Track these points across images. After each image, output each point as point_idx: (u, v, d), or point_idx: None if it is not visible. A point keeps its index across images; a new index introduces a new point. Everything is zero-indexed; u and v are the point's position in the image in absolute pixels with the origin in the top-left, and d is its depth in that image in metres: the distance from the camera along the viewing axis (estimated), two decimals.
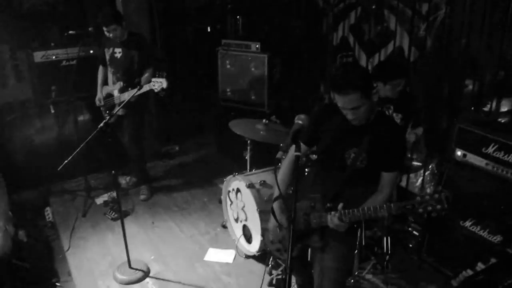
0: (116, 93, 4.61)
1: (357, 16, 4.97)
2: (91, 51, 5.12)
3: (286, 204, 2.76)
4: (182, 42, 6.11)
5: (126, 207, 4.80)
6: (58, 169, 3.44)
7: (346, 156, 2.60)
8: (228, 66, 5.51)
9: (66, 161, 3.41)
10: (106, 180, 5.30)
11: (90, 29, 4.61)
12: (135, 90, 4.29)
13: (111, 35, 4.44)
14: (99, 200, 4.90)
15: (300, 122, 2.21)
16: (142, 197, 4.98)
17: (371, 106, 2.46)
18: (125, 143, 4.79)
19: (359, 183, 2.62)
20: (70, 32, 4.64)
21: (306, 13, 5.47)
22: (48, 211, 4.70)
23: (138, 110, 4.72)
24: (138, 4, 5.34)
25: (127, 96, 4.40)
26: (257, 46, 5.24)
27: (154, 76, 4.22)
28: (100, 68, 4.83)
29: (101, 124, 3.34)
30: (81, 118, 5.18)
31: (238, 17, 6.14)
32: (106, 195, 4.95)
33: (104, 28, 4.41)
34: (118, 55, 4.60)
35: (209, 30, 6.43)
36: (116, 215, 4.55)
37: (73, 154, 3.38)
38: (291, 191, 3.08)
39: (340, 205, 2.47)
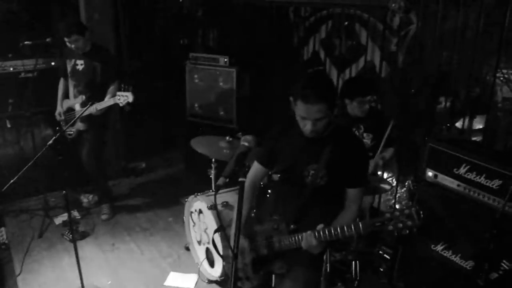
0: (77, 107, 4.39)
1: (328, 30, 4.85)
2: (52, 63, 4.89)
3: (245, 228, 2.59)
4: (150, 54, 5.90)
5: (86, 227, 4.56)
6: (2, 190, 3.20)
7: (305, 173, 2.50)
8: (196, 81, 5.33)
9: (11, 181, 3.16)
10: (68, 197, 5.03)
11: (48, 39, 4.37)
12: (99, 103, 4.12)
13: (73, 46, 4.25)
14: (58, 220, 4.64)
15: (246, 144, 2.03)
16: (103, 216, 4.74)
17: (330, 119, 2.41)
18: (84, 159, 4.55)
19: (321, 202, 2.52)
20: (26, 42, 4.39)
21: (277, 26, 5.32)
22: (2, 232, 4.42)
23: (99, 125, 4.52)
24: (102, 14, 5.13)
25: (91, 110, 4.19)
26: (225, 60, 5.07)
27: (120, 90, 4.04)
28: (61, 81, 4.61)
29: (50, 141, 3.11)
30: (40, 133, 4.93)
31: (208, 31, 6.00)
32: (65, 214, 4.69)
33: (66, 39, 4.22)
34: (80, 67, 4.40)
35: (181, 42, 6.25)
36: (75, 236, 4.30)
37: (18, 174, 3.13)
38: (253, 214, 2.93)
39: (320, 226, 2.33)
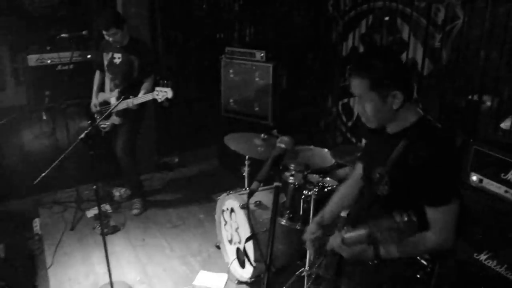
0: (113, 100, 4.36)
1: (369, 25, 4.66)
2: (88, 56, 4.88)
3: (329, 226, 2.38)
4: (185, 49, 5.83)
5: (118, 221, 4.53)
6: (34, 182, 3.19)
7: (373, 176, 2.04)
8: (232, 76, 5.22)
9: (43, 174, 3.16)
10: (100, 192, 5.03)
11: (84, 32, 4.36)
12: (136, 98, 4.08)
13: (111, 39, 4.22)
14: (90, 213, 4.63)
15: (283, 145, 1.87)
16: (134, 211, 4.70)
17: (384, 109, 1.91)
18: (117, 153, 4.53)
19: (382, 214, 1.86)
20: (63, 35, 4.39)
21: (315, 21, 5.16)
22: (36, 223, 4.46)
23: (134, 120, 4.48)
24: (139, 8, 5.09)
25: (126, 104, 4.16)
26: (262, 54, 4.94)
27: (158, 85, 3.98)
28: (97, 73, 4.61)
29: (82, 135, 3.06)
30: (75, 125, 4.93)
31: (245, 25, 5.88)
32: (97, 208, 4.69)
33: (104, 32, 4.19)
34: (118, 61, 4.37)
35: (217, 36, 6.16)
36: (106, 230, 4.29)
37: (50, 167, 3.12)
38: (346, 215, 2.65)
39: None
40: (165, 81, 3.91)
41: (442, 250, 1.95)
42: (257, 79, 5.04)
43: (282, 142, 1.89)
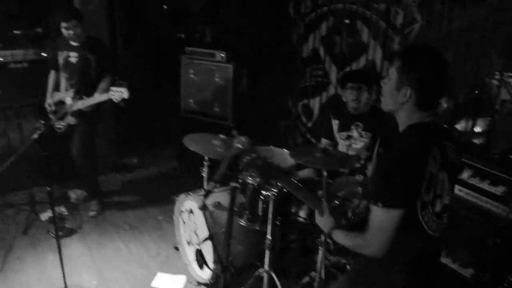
0: (68, 100, 4.24)
1: (329, 27, 4.71)
2: (43, 54, 4.74)
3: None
4: (145, 49, 5.75)
5: (74, 224, 4.41)
6: None
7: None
8: (192, 76, 5.18)
9: None
10: (55, 194, 4.88)
11: (39, 29, 4.23)
12: (91, 99, 3.99)
13: (71, 32, 4.07)
14: (44, 216, 4.47)
15: (240, 146, 1.87)
16: (91, 213, 4.59)
17: (394, 95, 2.00)
18: (74, 154, 4.41)
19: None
20: (16, 32, 4.24)
21: (276, 22, 5.18)
22: None
23: (90, 120, 4.37)
24: (97, 5, 4.98)
25: (81, 105, 4.06)
26: (222, 55, 4.92)
27: (114, 85, 3.90)
28: (52, 73, 4.45)
29: (35, 135, 2.96)
30: (29, 125, 4.77)
31: (206, 25, 5.84)
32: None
33: (63, 24, 4.05)
34: (73, 60, 4.25)
35: (178, 36, 6.09)
36: (60, 233, 4.16)
37: (1, 168, 2.99)
38: None
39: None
40: (121, 81, 3.85)
41: (367, 254, 1.93)
42: (217, 79, 5.01)
43: (239, 143, 1.88)
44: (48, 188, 3.10)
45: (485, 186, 2.93)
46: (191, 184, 4.39)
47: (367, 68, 4.34)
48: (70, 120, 4.25)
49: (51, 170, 3.02)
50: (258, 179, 2.16)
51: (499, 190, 2.88)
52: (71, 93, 4.23)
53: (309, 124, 5.11)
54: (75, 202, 4.76)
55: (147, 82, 5.67)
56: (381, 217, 1.86)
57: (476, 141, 3.77)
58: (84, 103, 4.02)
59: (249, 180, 3.28)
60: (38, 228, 4.31)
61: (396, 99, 1.97)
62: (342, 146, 3.84)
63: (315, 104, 4.99)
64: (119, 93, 3.87)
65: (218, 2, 5.72)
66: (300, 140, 5.27)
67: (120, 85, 3.87)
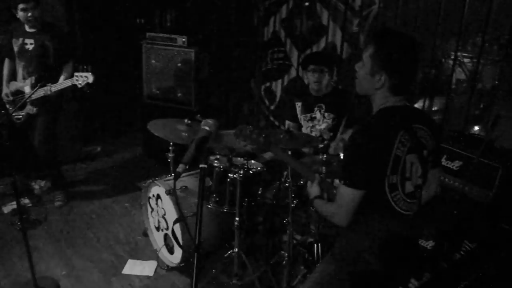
0: (27, 89, 4.13)
1: (289, 10, 4.75)
2: None
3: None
4: (104, 34, 5.65)
5: (38, 215, 4.34)
6: None
7: None
8: (153, 61, 5.14)
9: None
10: (18, 184, 4.79)
11: None
12: (54, 85, 3.90)
13: (29, 14, 3.94)
14: (7, 209, 4.40)
15: (207, 128, 1.90)
16: (57, 203, 4.53)
17: (368, 80, 2.08)
18: (36, 144, 4.32)
19: None
20: None
21: (237, 6, 5.18)
22: None
23: (51, 109, 4.28)
24: None
25: (43, 92, 3.97)
26: (183, 40, 4.90)
27: (77, 70, 3.83)
28: (6, 61, 4.32)
29: None
30: None
31: (166, 9, 5.78)
32: (15, 202, 4.44)
33: (21, 6, 3.91)
34: (30, 47, 4.13)
35: (138, 21, 6.00)
36: (25, 225, 4.09)
37: None
38: None
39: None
40: (85, 66, 3.79)
41: (333, 223, 2.10)
42: (179, 64, 4.99)
43: (206, 125, 1.91)
44: (12, 179, 3.05)
45: (443, 162, 3.06)
46: (157, 171, 4.40)
47: (327, 51, 4.41)
48: (30, 109, 4.14)
49: (12, 161, 2.96)
50: (251, 148, 2.25)
51: (455, 165, 3.02)
52: (29, 81, 4.12)
53: (272, 107, 5.17)
54: (39, 193, 4.68)
55: (107, 68, 5.57)
56: (344, 194, 2.01)
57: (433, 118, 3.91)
58: (47, 90, 3.93)
59: (216, 163, 3.33)
60: (1, 222, 4.23)
61: (370, 84, 2.05)
62: (305, 128, 3.92)
63: (277, 86, 5.05)
64: (83, 78, 3.81)
65: None
66: (263, 123, 5.33)
67: (84, 70, 3.82)
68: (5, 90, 4.29)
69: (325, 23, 4.46)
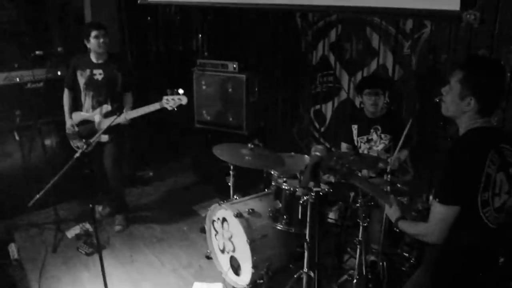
0: (97, 118, 4.28)
1: (338, 34, 4.85)
2: (59, 73, 4.80)
3: None
4: (154, 60, 5.82)
5: (101, 240, 4.44)
6: (29, 205, 3.12)
7: None
8: (204, 87, 5.28)
9: (37, 196, 3.08)
10: (77, 210, 4.95)
11: (59, 49, 4.30)
12: (137, 110, 4.13)
13: (101, 40, 4.15)
14: (70, 233, 4.53)
15: (318, 153, 2.00)
16: (117, 227, 4.63)
17: (457, 104, 2.20)
18: (107, 171, 4.44)
19: None
20: (37, 52, 4.28)
21: (285, 31, 5.31)
22: (12, 248, 4.30)
23: (123, 135, 4.45)
24: (109, 21, 5.03)
25: (123, 119, 4.16)
26: (234, 66, 5.03)
27: (165, 94, 4.09)
28: (66, 93, 4.45)
29: (77, 154, 3.04)
30: (48, 144, 4.82)
31: (215, 36, 5.93)
32: (77, 227, 4.57)
33: (94, 33, 4.12)
34: (99, 77, 4.27)
35: (186, 48, 6.17)
36: (91, 250, 4.22)
37: (45, 188, 3.05)
38: None
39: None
40: (174, 89, 4.04)
41: (428, 241, 2.21)
42: (230, 90, 5.12)
43: (317, 151, 2.00)
44: (90, 205, 3.17)
45: None
46: (210, 194, 4.48)
47: (380, 73, 4.49)
48: (103, 137, 4.24)
49: (82, 188, 3.07)
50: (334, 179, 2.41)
51: None
52: (103, 109, 4.27)
53: (322, 129, 5.24)
54: (99, 218, 4.80)
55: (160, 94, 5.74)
56: (438, 211, 2.12)
57: None
58: (128, 116, 4.14)
59: (284, 185, 3.40)
60: (67, 246, 4.35)
61: (458, 107, 2.17)
62: (363, 150, 3.99)
63: (327, 109, 5.12)
64: (175, 101, 4.06)
65: (225, 14, 5.82)
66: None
67: (175, 93, 4.06)
68: (68, 122, 4.42)
69: (375, 46, 4.54)
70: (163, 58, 5.89)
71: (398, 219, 2.39)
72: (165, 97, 4.06)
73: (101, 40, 4.15)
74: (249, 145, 3.78)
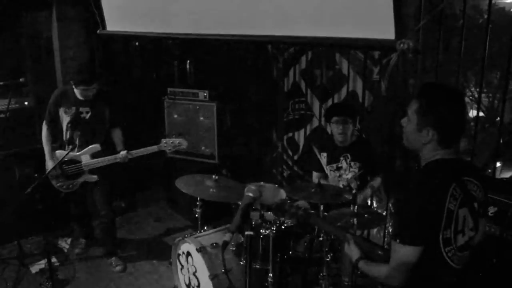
0: (85, 159, 4.03)
1: (308, 61, 4.83)
2: (26, 103, 4.71)
3: None
4: (127, 92, 5.75)
5: (66, 274, 4.30)
6: None
7: None
8: (176, 116, 5.22)
9: None
10: (43, 244, 4.79)
11: (21, 79, 4.19)
12: (136, 152, 4.09)
13: (89, 93, 3.93)
14: (35, 268, 4.36)
15: (251, 194, 1.90)
16: (118, 268, 4.38)
17: (416, 136, 2.09)
18: (100, 209, 4.29)
19: None
20: (1, 83, 4.19)
21: (255, 59, 5.29)
22: None
23: (111, 173, 4.22)
24: (78, 53, 4.99)
25: (118, 159, 4.06)
26: (205, 94, 4.99)
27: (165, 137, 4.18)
28: (46, 130, 4.15)
29: (28, 190, 2.94)
30: (13, 176, 4.69)
31: (185, 65, 5.89)
32: (43, 261, 4.42)
33: (81, 87, 3.88)
34: (86, 115, 4.02)
35: (156, 76, 6.13)
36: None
37: None
38: None
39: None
40: (173, 134, 4.27)
41: (390, 284, 2.04)
42: (201, 118, 5.07)
43: (250, 191, 1.91)
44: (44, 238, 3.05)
45: None
46: (182, 226, 4.37)
47: (349, 101, 4.46)
48: (91, 178, 4.09)
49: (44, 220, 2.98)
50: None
51: (490, 210, 2.98)
52: (93, 149, 4.02)
53: (295, 157, 5.18)
54: (68, 252, 4.65)
55: (129, 124, 5.65)
56: (400, 252, 1.95)
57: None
58: (124, 157, 4.07)
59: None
60: (29, 283, 4.19)
61: (418, 139, 2.04)
62: (332, 178, 3.91)
63: (300, 136, 5.07)
64: (174, 145, 4.08)
65: (194, 42, 5.78)
66: (287, 173, 5.32)
67: (174, 137, 4.13)
68: (49, 162, 4.13)
69: (345, 72, 4.51)
70: (134, 86, 5.82)
71: (358, 259, 2.21)
72: (163, 140, 4.06)
73: (89, 93, 3.95)
74: (214, 176, 3.69)
